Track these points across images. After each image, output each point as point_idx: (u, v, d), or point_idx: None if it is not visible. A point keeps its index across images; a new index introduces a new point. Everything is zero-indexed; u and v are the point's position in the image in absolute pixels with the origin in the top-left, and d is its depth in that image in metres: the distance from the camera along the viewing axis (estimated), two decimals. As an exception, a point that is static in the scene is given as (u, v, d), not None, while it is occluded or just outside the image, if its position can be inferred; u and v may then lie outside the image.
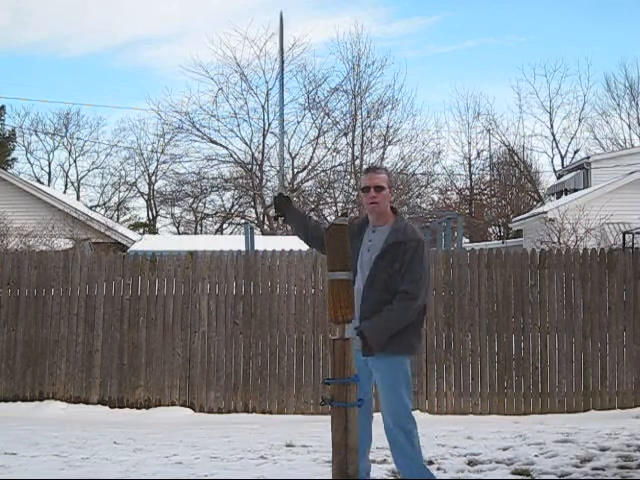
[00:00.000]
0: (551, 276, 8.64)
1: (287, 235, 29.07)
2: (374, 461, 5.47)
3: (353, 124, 31.55)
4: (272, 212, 4.96)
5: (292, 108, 32.65)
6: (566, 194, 24.15)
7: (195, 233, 38.22)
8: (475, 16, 57.32)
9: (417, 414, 8.19)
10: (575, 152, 37.10)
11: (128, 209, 43.03)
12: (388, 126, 31.68)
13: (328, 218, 35.27)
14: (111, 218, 32.51)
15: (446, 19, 57.54)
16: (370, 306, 3.88)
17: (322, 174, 32.93)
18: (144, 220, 41.44)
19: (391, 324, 3.90)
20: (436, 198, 37.27)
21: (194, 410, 8.55)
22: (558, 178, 30.65)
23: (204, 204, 37.85)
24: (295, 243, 14.15)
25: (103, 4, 57.45)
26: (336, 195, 34.48)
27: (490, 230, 37.00)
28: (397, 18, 58.53)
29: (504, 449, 5.81)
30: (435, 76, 58.51)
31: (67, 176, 42.28)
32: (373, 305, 3.90)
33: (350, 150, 31.90)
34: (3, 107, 40.14)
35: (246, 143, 32.23)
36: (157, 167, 39.35)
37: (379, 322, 3.87)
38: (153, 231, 37.45)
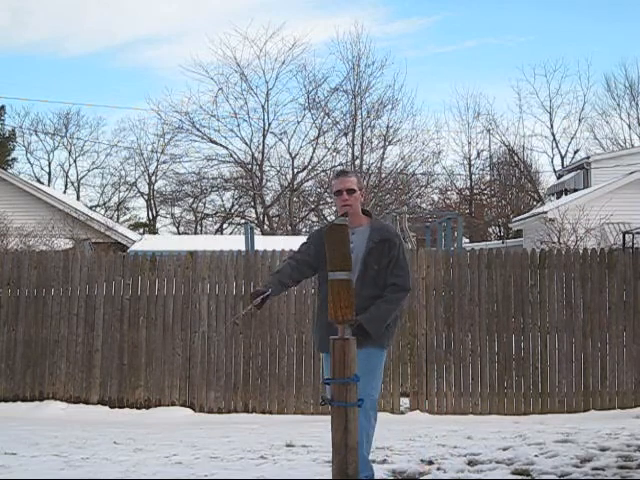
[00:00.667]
0: (551, 276, 8.64)
1: (287, 235, 29.14)
2: (374, 461, 5.47)
3: (353, 124, 31.55)
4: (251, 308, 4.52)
5: (292, 108, 32.76)
6: (566, 194, 24.15)
7: (195, 233, 38.27)
8: (475, 16, 57.39)
9: (417, 414, 8.28)
10: (575, 152, 37.15)
11: (128, 209, 43.09)
12: (388, 126, 31.68)
13: (328, 218, 35.30)
14: (111, 218, 32.52)
15: (446, 19, 57.61)
16: (363, 301, 3.99)
17: (322, 174, 32.95)
18: (144, 220, 41.46)
19: (387, 314, 4.14)
20: (436, 198, 37.34)
21: (194, 410, 8.56)
22: (558, 178, 30.66)
23: (204, 204, 37.92)
24: (295, 243, 14.18)
25: (103, 4, 57.51)
26: (336, 195, 34.37)
27: (490, 230, 37.02)
28: (397, 18, 58.61)
29: (504, 449, 5.81)
30: (435, 76, 58.60)
31: (67, 176, 42.35)
32: (366, 300, 4.05)
33: (350, 150, 31.90)
34: (3, 107, 40.19)
35: (246, 143, 32.28)
36: (157, 167, 39.43)
37: (376, 313, 4.09)
38: (153, 231, 37.47)
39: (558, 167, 36.28)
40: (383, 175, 32.23)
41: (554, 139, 38.16)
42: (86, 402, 8.66)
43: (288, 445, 6.22)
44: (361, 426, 3.97)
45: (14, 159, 40.13)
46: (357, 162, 31.98)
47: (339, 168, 32.47)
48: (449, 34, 58.63)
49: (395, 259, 4.21)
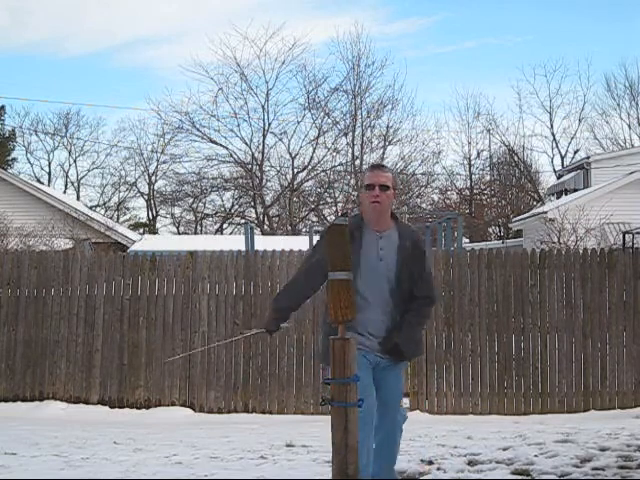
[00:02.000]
0: (551, 276, 8.64)
1: (287, 235, 29.15)
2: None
3: (353, 124, 31.58)
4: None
5: (292, 108, 32.79)
6: (566, 194, 24.15)
7: (195, 233, 38.25)
8: (474, 16, 57.31)
9: (417, 414, 8.28)
10: (575, 152, 37.12)
11: (128, 209, 43.04)
12: (388, 126, 31.72)
13: (328, 218, 35.28)
14: (111, 218, 32.50)
15: (446, 19, 57.52)
16: (393, 319, 3.80)
17: (322, 174, 32.97)
18: (144, 220, 41.43)
19: (420, 332, 3.96)
20: (436, 198, 37.31)
21: (194, 410, 8.55)
22: (558, 178, 30.66)
23: (204, 204, 37.92)
24: (295, 243, 14.17)
25: (103, 4, 57.48)
26: (336, 195, 34.49)
27: (490, 230, 36.99)
28: (396, 19, 58.52)
29: (504, 449, 5.81)
30: (435, 76, 58.55)
31: (67, 176, 42.30)
32: (395, 318, 3.82)
33: (350, 150, 31.93)
34: (3, 107, 40.15)
35: (246, 143, 32.31)
36: (157, 167, 39.38)
37: (411, 333, 3.83)
38: (153, 231, 37.45)
39: (558, 167, 36.29)
40: (383, 175, 32.09)
41: (554, 139, 38.17)
42: (86, 402, 8.65)
43: (288, 445, 6.22)
44: (395, 438, 3.94)
45: (14, 159, 40.12)
46: (357, 162, 31.98)
47: (339, 168, 32.53)
48: (449, 34, 58.59)
49: (423, 267, 3.89)
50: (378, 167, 4.01)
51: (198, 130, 31.78)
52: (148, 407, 8.59)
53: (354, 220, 3.87)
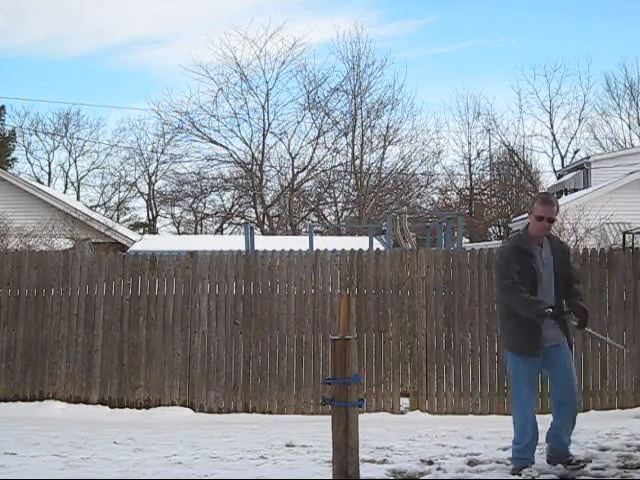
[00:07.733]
0: (551, 276, 8.62)
1: (287, 235, 29.15)
2: (374, 461, 5.47)
3: (353, 124, 31.61)
4: None
5: (292, 108, 32.84)
6: (566, 194, 24.16)
7: (195, 233, 38.25)
8: (469, 18, 57.29)
9: (417, 414, 8.29)
10: (575, 152, 37.16)
11: (128, 209, 43.00)
12: (388, 126, 31.79)
13: (328, 218, 35.31)
14: (111, 218, 32.50)
15: (439, 21, 57.49)
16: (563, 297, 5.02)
17: (322, 174, 33.01)
18: (144, 220, 41.42)
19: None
20: (436, 198, 37.38)
21: (194, 410, 8.55)
22: (558, 178, 30.69)
23: (204, 204, 37.93)
24: (295, 243, 14.18)
25: (103, 4, 57.49)
26: (336, 195, 34.54)
27: (490, 230, 37.01)
28: (390, 21, 58.42)
29: (504, 449, 5.81)
30: (434, 77, 58.57)
31: (67, 176, 42.29)
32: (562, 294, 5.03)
33: (350, 150, 31.96)
34: (3, 107, 40.17)
35: (246, 143, 32.36)
36: (157, 167, 39.36)
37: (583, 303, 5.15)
38: (153, 231, 37.45)
39: (558, 167, 36.34)
40: (383, 175, 32.24)
41: (554, 139, 38.21)
42: (86, 402, 8.65)
43: (288, 445, 6.23)
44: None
45: (14, 159, 40.12)
46: (357, 162, 32.00)
47: (339, 168, 32.51)
48: (444, 36, 58.57)
49: (571, 263, 5.35)
50: (548, 203, 4.96)
51: (198, 130, 31.88)
52: (148, 407, 8.59)
53: (524, 240, 5.03)
